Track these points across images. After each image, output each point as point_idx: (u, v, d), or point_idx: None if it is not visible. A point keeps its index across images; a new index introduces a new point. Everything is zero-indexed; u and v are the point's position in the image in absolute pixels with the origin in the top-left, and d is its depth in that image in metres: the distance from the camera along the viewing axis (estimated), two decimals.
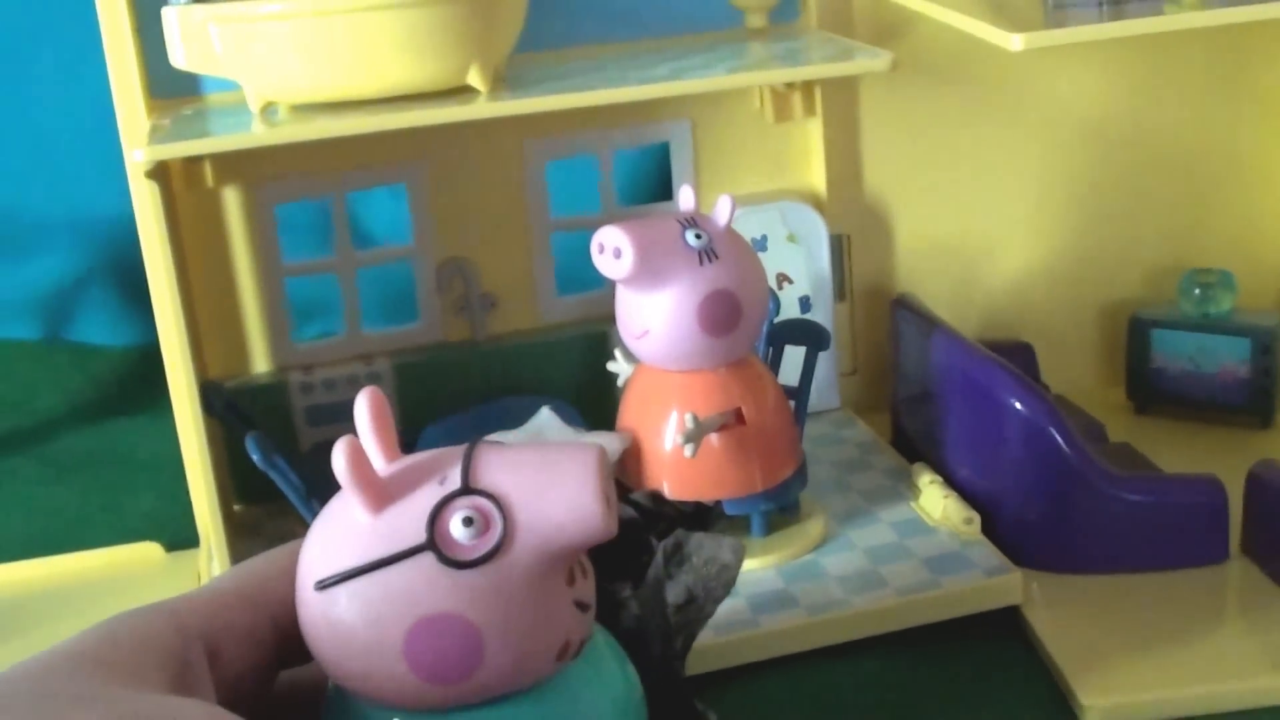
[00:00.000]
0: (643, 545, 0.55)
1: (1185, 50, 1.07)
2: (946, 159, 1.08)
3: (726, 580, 0.59)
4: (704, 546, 0.59)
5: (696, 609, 0.58)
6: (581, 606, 0.47)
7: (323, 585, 0.45)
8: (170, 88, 0.93)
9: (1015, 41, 0.78)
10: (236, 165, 0.97)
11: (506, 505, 0.45)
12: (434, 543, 0.44)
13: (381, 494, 0.46)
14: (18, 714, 0.40)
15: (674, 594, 0.58)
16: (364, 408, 0.48)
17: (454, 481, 0.45)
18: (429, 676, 0.45)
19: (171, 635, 0.46)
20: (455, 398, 1.00)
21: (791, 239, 1.03)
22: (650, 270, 0.80)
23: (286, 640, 0.49)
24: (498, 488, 0.45)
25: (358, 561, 0.45)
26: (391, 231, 1.23)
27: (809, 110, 1.04)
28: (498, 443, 0.47)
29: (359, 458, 0.45)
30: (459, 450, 0.46)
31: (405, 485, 0.46)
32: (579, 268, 0.97)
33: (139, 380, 1.30)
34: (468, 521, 0.45)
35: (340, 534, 0.46)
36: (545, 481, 0.45)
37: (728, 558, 0.59)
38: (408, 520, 0.45)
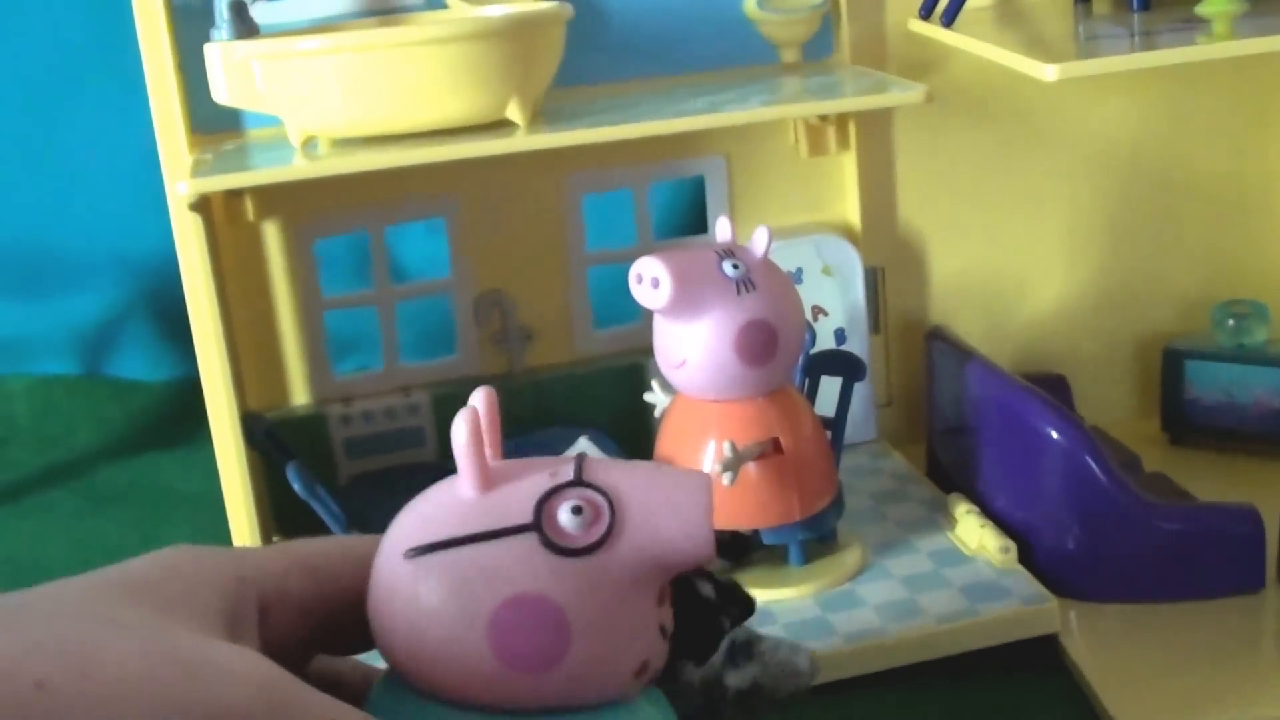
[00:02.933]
0: (715, 626, 0.54)
1: (1217, 81, 1.08)
2: (980, 192, 1.08)
3: (797, 687, 0.58)
4: (780, 649, 0.58)
5: (761, 699, 0.58)
6: (664, 631, 0.47)
7: (418, 551, 0.45)
8: (212, 123, 0.94)
9: (1049, 72, 0.78)
10: (277, 200, 0.98)
11: (618, 502, 0.45)
12: (540, 524, 0.45)
13: (490, 476, 0.46)
14: (43, 626, 0.39)
15: (738, 680, 0.57)
16: (481, 402, 0.48)
17: (567, 474, 0.46)
18: (509, 659, 0.44)
19: (232, 581, 0.45)
20: None
21: (826, 272, 1.04)
22: (688, 300, 0.81)
23: (332, 622, 0.48)
24: (611, 486, 0.46)
25: (457, 534, 0.45)
26: (427, 266, 1.24)
27: (843, 144, 1.05)
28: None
29: (478, 431, 0.45)
30: (569, 456, 0.47)
31: (514, 475, 0.46)
32: (615, 301, 0.98)
33: (177, 414, 1.31)
34: (577, 510, 0.45)
35: (442, 507, 0.46)
36: (659, 489, 0.46)
37: (803, 666, 0.58)
38: (516, 501, 0.45)
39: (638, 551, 0.45)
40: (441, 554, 0.45)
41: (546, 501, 0.45)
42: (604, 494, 0.45)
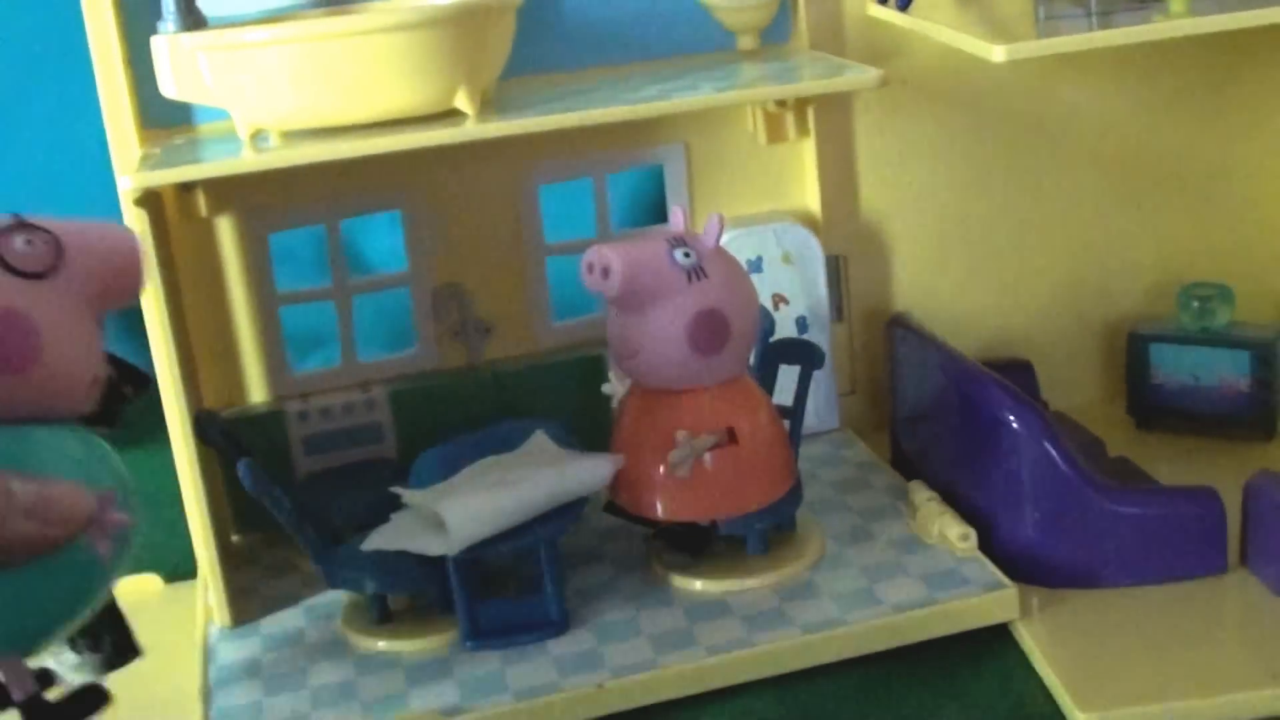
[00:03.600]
0: (118, 396, 0.71)
1: (1179, 63, 1.07)
2: (941, 178, 1.08)
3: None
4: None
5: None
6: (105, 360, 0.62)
7: None
8: (163, 118, 0.93)
9: (997, 53, 0.78)
10: (230, 194, 0.97)
11: (59, 236, 0.61)
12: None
13: None
14: None
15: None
16: None
17: (8, 220, 0.60)
18: None
19: None
20: (452, 423, 1.00)
21: (787, 260, 1.03)
22: (638, 288, 0.80)
23: None
24: (50, 226, 0.62)
25: None
26: (391, 260, 1.23)
27: (802, 131, 1.05)
28: None
29: None
30: None
31: None
32: (574, 292, 0.97)
33: (137, 412, 1.30)
34: (28, 242, 0.60)
35: None
36: (95, 229, 0.63)
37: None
38: None
39: (85, 274, 0.61)
40: None
41: None
42: (46, 231, 0.60)
